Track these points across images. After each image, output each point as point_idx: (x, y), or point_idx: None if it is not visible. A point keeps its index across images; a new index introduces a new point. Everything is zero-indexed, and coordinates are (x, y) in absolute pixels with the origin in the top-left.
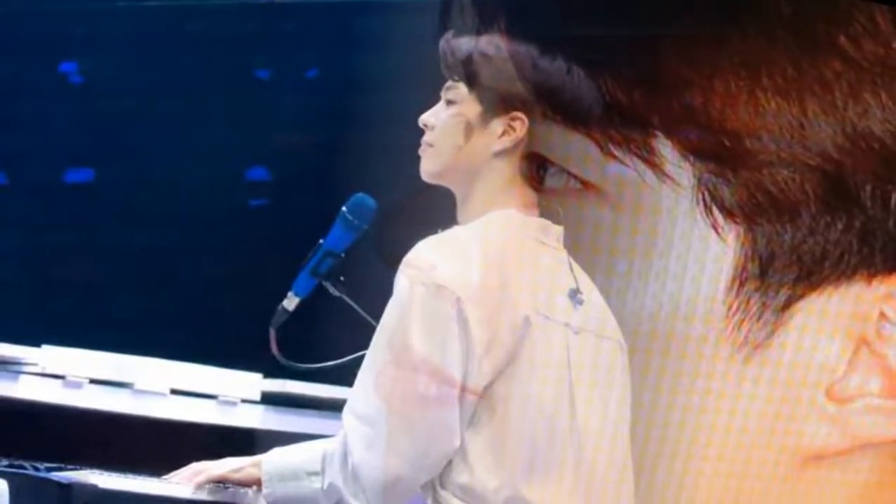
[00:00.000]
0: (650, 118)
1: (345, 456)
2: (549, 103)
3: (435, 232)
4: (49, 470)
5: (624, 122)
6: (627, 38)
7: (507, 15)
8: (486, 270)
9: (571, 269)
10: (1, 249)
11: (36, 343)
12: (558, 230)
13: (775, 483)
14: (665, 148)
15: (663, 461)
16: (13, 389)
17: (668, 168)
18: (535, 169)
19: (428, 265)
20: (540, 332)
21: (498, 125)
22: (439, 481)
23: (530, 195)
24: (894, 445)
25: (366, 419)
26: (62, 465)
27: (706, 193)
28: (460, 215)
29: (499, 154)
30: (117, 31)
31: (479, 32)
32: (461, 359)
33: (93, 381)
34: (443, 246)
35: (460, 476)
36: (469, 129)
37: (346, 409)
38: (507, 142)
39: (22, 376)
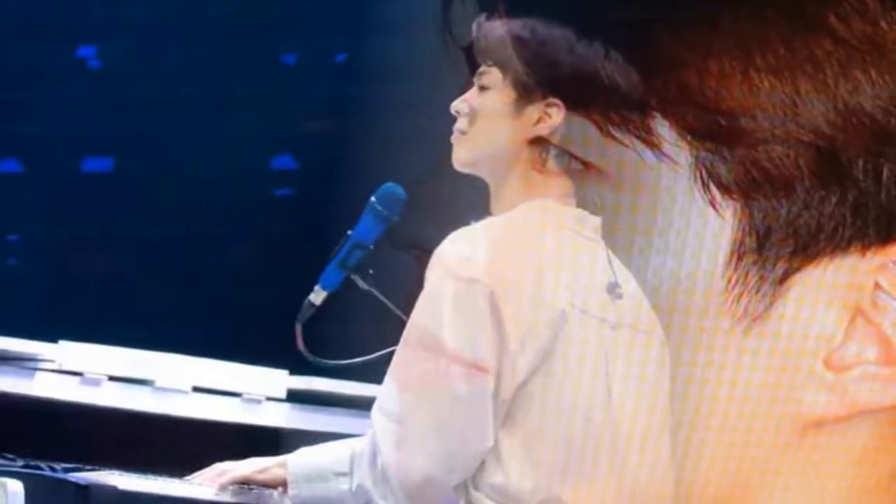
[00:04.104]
0: (648, 99)
1: (374, 456)
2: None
3: (443, 217)
4: (66, 471)
5: (622, 104)
6: (624, 21)
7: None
8: (520, 263)
9: (610, 262)
10: (16, 240)
11: (52, 339)
12: (595, 221)
13: (777, 450)
14: (663, 128)
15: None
16: (29, 387)
17: (667, 147)
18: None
19: (460, 258)
20: (576, 328)
21: (533, 112)
22: (472, 482)
23: (566, 184)
24: (892, 411)
25: (396, 418)
26: (80, 466)
27: (703, 171)
28: (494, 205)
29: (534, 142)
30: (137, 13)
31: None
32: (495, 355)
33: (112, 379)
34: (475, 238)
35: (494, 477)
36: (503, 117)
37: (375, 407)
38: (542, 129)
39: (38, 373)
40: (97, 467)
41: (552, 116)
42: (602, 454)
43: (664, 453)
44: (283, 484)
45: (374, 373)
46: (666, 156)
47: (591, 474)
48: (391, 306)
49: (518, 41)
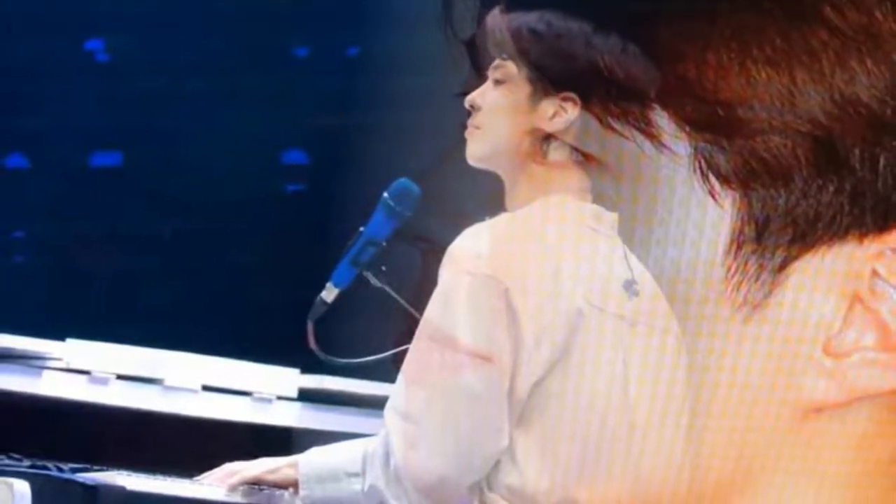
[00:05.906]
0: (647, 91)
1: (387, 456)
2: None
3: (449, 209)
4: (73, 471)
5: (622, 96)
6: (622, 14)
7: None
8: (535, 259)
9: (626, 259)
10: (23, 237)
11: (60, 336)
12: (612, 217)
13: (777, 436)
14: (662, 119)
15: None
16: (36, 386)
17: (666, 139)
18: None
19: (474, 254)
20: (593, 325)
21: (548, 106)
22: (487, 483)
23: (582, 179)
24: (890, 397)
25: (409, 417)
26: (87, 466)
27: (702, 161)
28: (508, 201)
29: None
30: (146, 6)
31: (480, 12)
32: (510, 353)
33: (120, 377)
34: (489, 234)
35: (509, 477)
36: (518, 111)
37: (387, 406)
38: (558, 124)
39: (45, 372)
40: (105, 467)
41: (568, 111)
42: (619, 453)
43: (680, 451)
44: (294, 484)
45: (387, 371)
46: (665, 147)
47: (608, 473)
48: (404, 304)
49: (532, 34)
